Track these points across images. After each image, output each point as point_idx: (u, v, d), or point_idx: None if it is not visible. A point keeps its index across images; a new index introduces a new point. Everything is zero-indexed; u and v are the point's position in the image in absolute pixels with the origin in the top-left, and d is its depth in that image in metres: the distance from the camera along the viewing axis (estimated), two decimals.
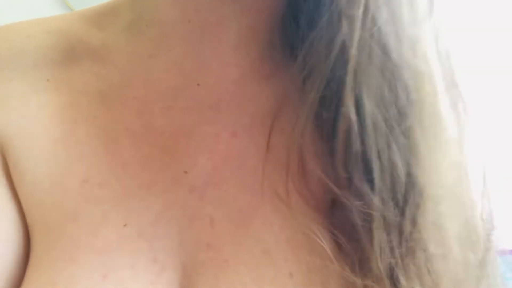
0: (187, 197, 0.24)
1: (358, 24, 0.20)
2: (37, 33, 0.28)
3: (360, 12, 0.20)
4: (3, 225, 0.23)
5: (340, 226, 0.22)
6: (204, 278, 0.22)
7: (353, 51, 0.20)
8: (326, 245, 0.22)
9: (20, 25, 0.28)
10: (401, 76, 0.20)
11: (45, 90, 0.26)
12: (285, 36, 0.26)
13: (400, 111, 0.21)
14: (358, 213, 0.21)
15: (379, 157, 0.21)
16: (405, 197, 0.21)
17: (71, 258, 0.22)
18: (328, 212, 0.23)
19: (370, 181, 0.21)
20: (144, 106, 0.26)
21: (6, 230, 0.23)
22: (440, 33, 0.22)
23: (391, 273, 0.21)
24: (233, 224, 0.23)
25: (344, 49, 0.21)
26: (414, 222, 0.21)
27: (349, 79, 0.20)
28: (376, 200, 0.21)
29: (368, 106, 0.21)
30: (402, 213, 0.21)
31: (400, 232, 0.21)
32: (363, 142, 0.21)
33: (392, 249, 0.21)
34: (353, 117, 0.21)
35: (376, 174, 0.21)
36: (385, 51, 0.20)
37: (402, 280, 0.21)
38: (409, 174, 0.21)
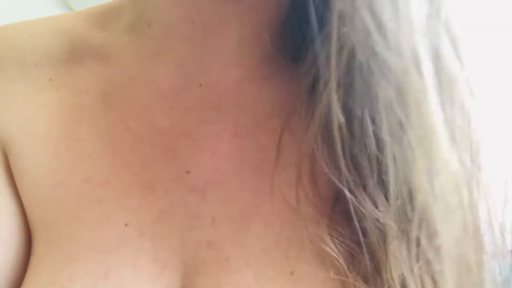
0: (189, 197, 0.24)
1: (334, 26, 0.20)
2: (40, 32, 0.28)
3: (335, 16, 0.20)
4: (3, 223, 0.23)
5: (345, 234, 0.22)
6: (206, 277, 0.22)
7: (334, 47, 0.20)
8: (339, 257, 0.22)
9: (22, 25, 0.29)
10: (387, 72, 0.19)
11: (47, 90, 0.26)
12: (288, 37, 0.26)
13: (390, 111, 0.20)
14: (372, 223, 0.21)
15: (394, 160, 0.20)
16: (412, 206, 0.20)
17: (72, 257, 0.22)
18: (332, 217, 0.23)
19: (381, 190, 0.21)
20: (146, 106, 0.26)
21: (6, 229, 0.23)
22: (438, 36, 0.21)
23: (403, 282, 0.21)
24: (234, 223, 0.23)
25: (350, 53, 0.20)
26: (422, 231, 0.21)
27: (332, 77, 0.20)
28: (392, 211, 0.21)
29: (357, 111, 0.21)
30: (411, 223, 0.21)
31: (413, 243, 0.21)
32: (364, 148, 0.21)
33: (404, 260, 0.21)
34: (341, 119, 0.20)
35: (392, 184, 0.20)
36: (366, 52, 0.20)
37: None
38: (407, 182, 0.20)
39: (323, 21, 0.22)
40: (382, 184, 0.21)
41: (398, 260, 0.21)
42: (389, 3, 0.19)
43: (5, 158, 0.25)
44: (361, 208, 0.21)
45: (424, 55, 0.19)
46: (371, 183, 0.21)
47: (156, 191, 0.24)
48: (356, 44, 0.20)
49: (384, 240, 0.21)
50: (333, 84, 0.20)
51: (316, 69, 0.22)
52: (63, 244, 0.22)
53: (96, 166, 0.24)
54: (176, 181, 0.24)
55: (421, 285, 0.21)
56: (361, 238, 0.21)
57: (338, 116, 0.20)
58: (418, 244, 0.21)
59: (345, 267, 0.22)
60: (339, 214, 0.23)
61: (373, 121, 0.20)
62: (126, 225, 0.23)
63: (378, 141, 0.21)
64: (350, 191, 0.21)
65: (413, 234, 0.20)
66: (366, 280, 0.21)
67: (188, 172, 0.24)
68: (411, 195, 0.20)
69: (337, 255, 0.22)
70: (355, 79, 0.20)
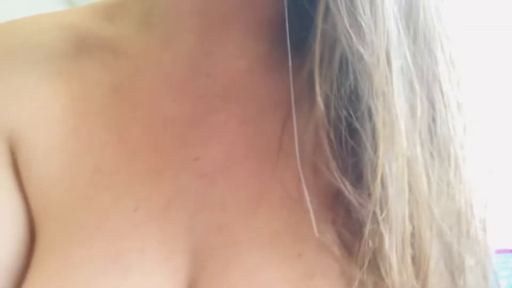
0: (198, 183, 0.24)
1: (318, 27, 0.22)
2: (48, 26, 0.28)
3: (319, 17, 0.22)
4: (5, 216, 0.24)
5: (345, 223, 0.23)
6: (216, 261, 0.23)
7: (318, 43, 0.22)
8: (336, 245, 0.22)
9: (31, 19, 0.29)
10: (360, 65, 0.21)
11: (56, 83, 0.26)
12: (291, 29, 0.27)
13: (363, 102, 0.22)
14: (366, 213, 0.22)
15: (366, 151, 0.22)
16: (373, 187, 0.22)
17: (81, 242, 0.22)
18: (333, 208, 0.24)
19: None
20: (155, 96, 0.26)
21: (8, 221, 0.24)
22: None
23: (399, 268, 0.21)
24: (243, 208, 0.24)
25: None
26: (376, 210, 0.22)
27: (316, 71, 0.22)
28: (372, 195, 0.21)
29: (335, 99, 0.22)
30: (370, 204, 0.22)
31: (401, 230, 0.22)
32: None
33: (398, 246, 0.21)
34: (322, 107, 0.22)
35: (367, 170, 0.21)
36: (343, 49, 0.21)
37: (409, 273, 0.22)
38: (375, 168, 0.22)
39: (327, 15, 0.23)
40: (361, 174, 0.22)
41: (394, 249, 0.21)
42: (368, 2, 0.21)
43: (11, 153, 0.25)
44: (362, 203, 0.22)
45: (394, 52, 0.21)
46: (354, 174, 0.22)
47: (165, 177, 0.24)
48: (337, 38, 0.21)
49: (376, 228, 0.22)
50: (316, 74, 0.22)
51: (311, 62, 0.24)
52: (72, 230, 0.23)
53: (106, 156, 0.25)
54: (185, 168, 0.25)
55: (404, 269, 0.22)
56: (369, 236, 0.22)
57: (320, 107, 0.22)
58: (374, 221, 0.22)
59: (347, 253, 0.22)
60: (341, 205, 0.23)
61: (347, 110, 0.22)
62: (135, 210, 0.23)
63: (352, 132, 0.22)
64: (336, 181, 0.22)
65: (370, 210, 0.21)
66: (369, 265, 0.22)
67: (196, 159, 0.25)
68: (379, 181, 0.21)
69: (339, 241, 0.23)
70: (335, 70, 0.22)
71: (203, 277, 0.23)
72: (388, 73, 0.21)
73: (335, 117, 0.22)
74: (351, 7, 0.20)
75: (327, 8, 0.21)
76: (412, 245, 0.22)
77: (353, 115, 0.22)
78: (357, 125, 0.21)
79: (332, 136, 0.22)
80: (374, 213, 0.21)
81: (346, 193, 0.22)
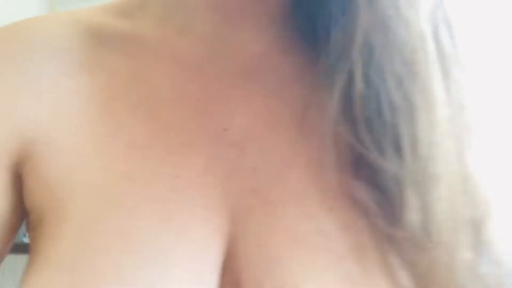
0: (229, 151, 0.26)
1: (360, 9, 0.24)
2: (67, 21, 0.29)
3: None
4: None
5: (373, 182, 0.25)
6: (253, 219, 0.24)
7: (359, 31, 0.24)
8: (368, 201, 0.24)
9: (47, 16, 0.31)
10: (400, 49, 0.24)
11: (79, 74, 0.27)
12: (303, 18, 0.30)
13: (401, 81, 0.24)
14: (392, 174, 0.24)
15: (405, 123, 0.24)
16: (418, 155, 0.24)
17: (131, 209, 0.23)
18: (355, 173, 0.26)
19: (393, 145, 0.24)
20: (175, 77, 0.28)
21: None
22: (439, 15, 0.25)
23: (423, 226, 0.23)
24: (274, 171, 0.25)
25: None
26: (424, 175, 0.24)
27: (356, 54, 0.24)
28: (407, 161, 0.24)
29: (375, 77, 0.24)
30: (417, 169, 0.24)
31: (426, 189, 0.24)
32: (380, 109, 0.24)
33: (422, 206, 0.23)
34: (362, 87, 0.24)
35: (406, 138, 0.24)
36: (385, 32, 0.24)
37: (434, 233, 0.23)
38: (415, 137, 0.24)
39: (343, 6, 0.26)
40: (395, 142, 0.24)
41: (415, 206, 0.23)
42: None
43: (13, 155, 0.25)
44: (376, 162, 0.24)
45: (429, 37, 0.24)
46: (384, 141, 0.24)
47: (198, 148, 0.26)
48: (376, 25, 0.24)
49: (401, 189, 0.24)
50: (357, 60, 0.24)
51: (340, 46, 0.26)
52: (118, 201, 0.23)
53: (137, 133, 0.26)
54: (214, 139, 0.26)
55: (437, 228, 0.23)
56: (395, 196, 0.24)
57: (359, 87, 0.24)
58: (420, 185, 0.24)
59: (372, 208, 0.24)
60: (361, 171, 0.25)
61: (387, 91, 0.24)
62: (175, 177, 0.24)
63: (392, 107, 0.24)
64: (366, 149, 0.24)
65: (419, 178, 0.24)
66: (391, 223, 0.24)
67: (225, 129, 0.26)
68: (417, 147, 0.24)
69: (368, 197, 0.24)
70: (374, 56, 0.24)
71: (242, 235, 0.24)
72: (426, 56, 0.24)
73: (370, 97, 0.24)
74: None
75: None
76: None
77: (392, 95, 0.24)
78: (397, 102, 0.24)
79: (364, 114, 0.25)
80: (404, 176, 0.23)
81: (370, 156, 0.24)
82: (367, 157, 0.24)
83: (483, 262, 0.24)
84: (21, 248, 0.43)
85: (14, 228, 0.26)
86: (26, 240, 0.44)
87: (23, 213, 0.26)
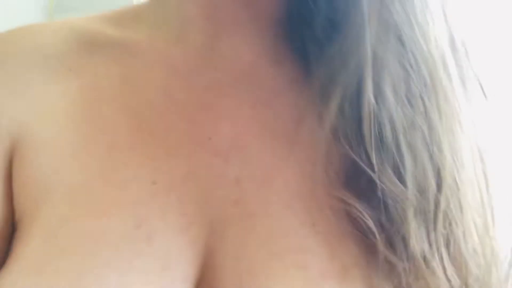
0: (213, 160, 0.25)
1: (374, 15, 0.23)
2: (60, 28, 0.29)
3: (377, 4, 0.23)
4: None
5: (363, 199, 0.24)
6: (233, 232, 0.23)
7: (370, 41, 0.23)
8: (370, 222, 0.23)
9: (41, 24, 0.31)
10: (416, 62, 0.23)
11: (67, 79, 0.27)
12: (295, 32, 0.30)
13: (417, 97, 0.23)
14: (393, 200, 0.22)
15: (410, 144, 0.22)
16: (434, 183, 0.22)
17: (103, 212, 0.22)
18: (349, 184, 0.25)
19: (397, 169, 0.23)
20: (166, 84, 0.27)
21: None
22: (453, 19, 0.24)
23: (424, 256, 0.22)
24: (257, 182, 0.25)
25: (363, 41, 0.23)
26: (441, 207, 0.22)
27: (367, 68, 0.23)
28: (411, 188, 0.22)
29: (388, 93, 0.23)
30: (430, 199, 0.22)
31: (432, 218, 0.22)
32: (391, 128, 0.23)
33: (424, 234, 0.22)
34: (373, 101, 0.23)
35: (408, 162, 0.22)
36: (399, 40, 0.23)
37: (434, 262, 0.22)
38: (433, 160, 0.23)
39: (334, 18, 0.26)
40: (405, 166, 0.23)
41: (419, 235, 0.22)
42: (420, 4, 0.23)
43: (9, 153, 0.25)
44: (382, 185, 0.23)
45: (447, 48, 0.23)
46: (393, 165, 0.23)
47: (181, 155, 0.25)
48: (388, 36, 0.23)
49: (405, 217, 0.22)
50: (368, 74, 0.23)
51: (337, 59, 0.25)
52: (92, 202, 0.23)
53: (120, 135, 0.25)
54: (199, 147, 0.25)
55: (440, 260, 0.22)
56: (396, 221, 0.22)
57: (370, 103, 0.23)
58: (443, 218, 0.22)
59: (372, 230, 0.23)
60: (355, 189, 0.24)
61: (400, 108, 0.23)
62: (153, 183, 0.24)
63: (404, 126, 0.23)
64: (372, 170, 0.23)
65: (441, 207, 0.22)
66: (390, 249, 0.23)
67: (209, 138, 0.26)
68: (435, 173, 0.22)
69: (364, 217, 0.23)
70: (385, 69, 0.23)
71: (220, 247, 0.23)
72: (448, 75, 0.23)
73: (381, 112, 0.23)
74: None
75: (383, 4, 0.23)
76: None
77: (406, 112, 0.23)
78: (415, 120, 0.22)
79: (372, 128, 0.23)
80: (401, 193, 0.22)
81: (375, 174, 0.23)
82: (365, 178, 0.23)
83: None
84: None
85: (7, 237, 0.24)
86: None
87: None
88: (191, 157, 0.25)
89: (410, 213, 0.22)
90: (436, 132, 0.22)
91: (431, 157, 0.22)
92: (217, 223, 0.24)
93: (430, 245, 0.22)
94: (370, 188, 0.23)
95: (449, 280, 0.22)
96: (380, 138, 0.23)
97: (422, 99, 0.22)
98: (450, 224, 0.22)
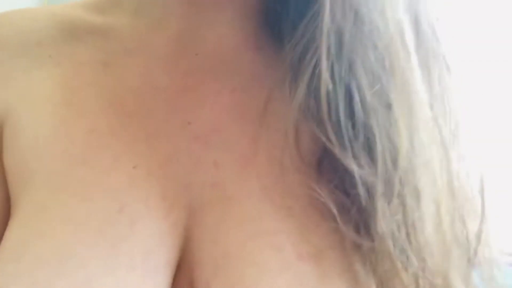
0: (192, 144, 0.25)
1: None
2: (42, 15, 0.29)
3: None
4: None
5: (333, 187, 0.24)
6: (210, 215, 0.23)
7: (326, 19, 0.23)
8: (332, 206, 0.23)
9: (23, 10, 0.30)
10: (374, 42, 0.22)
11: (48, 65, 0.27)
12: (274, 14, 0.29)
13: (375, 77, 0.22)
14: (363, 181, 0.22)
15: (379, 125, 0.22)
16: (395, 164, 0.22)
17: (85, 197, 0.22)
18: (318, 172, 0.24)
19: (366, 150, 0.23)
20: (145, 70, 0.27)
21: None
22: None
23: (393, 237, 0.22)
24: (235, 166, 0.25)
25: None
26: (404, 188, 0.22)
27: (323, 45, 0.23)
28: (380, 169, 0.22)
29: (359, 72, 0.23)
30: (393, 180, 0.22)
31: (396, 197, 0.22)
32: (362, 108, 0.22)
33: (391, 215, 0.22)
34: (330, 85, 0.23)
35: (379, 143, 0.22)
36: (356, 19, 0.23)
37: (402, 241, 0.22)
38: (392, 142, 0.22)
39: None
40: (368, 146, 0.23)
41: (386, 216, 0.22)
42: None
43: None
44: (346, 166, 0.22)
45: (407, 28, 0.22)
46: (356, 144, 0.23)
47: (160, 139, 0.25)
48: (346, 13, 0.22)
49: (372, 198, 0.22)
50: (323, 51, 0.23)
51: (306, 38, 0.25)
52: (73, 187, 0.23)
53: (100, 119, 0.25)
54: (179, 131, 0.25)
55: (407, 241, 0.22)
56: (362, 202, 0.22)
57: (326, 82, 0.23)
58: (401, 201, 0.22)
59: (336, 213, 0.23)
60: (325, 172, 0.24)
61: (359, 87, 0.22)
62: (134, 167, 0.24)
63: (364, 105, 0.22)
64: (336, 151, 0.23)
65: (396, 189, 0.22)
66: (357, 231, 0.22)
67: (189, 123, 0.26)
68: (394, 154, 0.22)
69: (331, 200, 0.23)
70: (344, 47, 0.23)
71: (198, 230, 0.23)
72: (405, 48, 0.22)
73: (339, 95, 0.23)
74: None
75: None
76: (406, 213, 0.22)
77: (365, 93, 0.22)
78: (371, 102, 0.22)
79: (332, 113, 0.23)
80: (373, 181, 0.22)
81: (338, 156, 0.22)
82: (335, 159, 0.23)
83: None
84: None
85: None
86: None
87: None
88: (171, 141, 0.25)
89: (378, 193, 0.22)
90: (394, 115, 0.22)
91: (390, 138, 0.22)
92: (196, 207, 0.24)
93: (397, 226, 0.22)
94: (340, 167, 0.23)
95: (408, 263, 0.22)
96: (351, 117, 0.23)
97: (381, 80, 0.22)
98: (404, 207, 0.22)
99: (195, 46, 0.28)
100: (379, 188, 0.22)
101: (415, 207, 0.22)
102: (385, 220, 0.21)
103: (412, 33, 0.22)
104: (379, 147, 0.22)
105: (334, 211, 0.22)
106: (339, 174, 0.23)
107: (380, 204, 0.22)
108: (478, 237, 0.22)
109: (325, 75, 0.22)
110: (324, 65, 0.22)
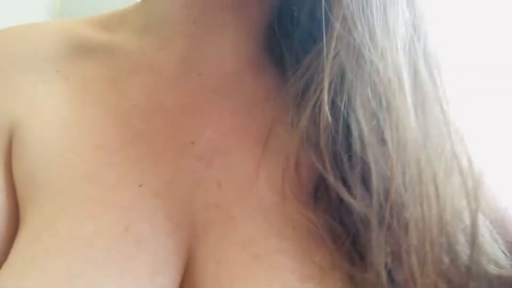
0: (196, 164, 0.26)
1: (335, 34, 0.24)
2: (49, 30, 0.30)
3: (338, 24, 0.24)
4: None
5: (328, 217, 0.24)
6: (213, 235, 0.24)
7: (330, 57, 0.24)
8: (327, 236, 0.23)
9: (32, 25, 0.31)
10: (373, 80, 0.23)
11: (55, 80, 0.28)
12: (277, 41, 0.31)
13: (372, 113, 0.23)
14: (357, 212, 0.23)
15: (375, 159, 0.23)
16: (386, 197, 0.22)
17: (91, 214, 0.23)
18: (314, 202, 0.25)
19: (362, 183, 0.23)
20: (152, 88, 0.28)
21: None
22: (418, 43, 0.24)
23: (386, 267, 0.22)
24: (238, 186, 0.25)
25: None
26: (393, 221, 0.22)
27: (325, 80, 0.24)
28: (374, 201, 0.22)
29: (357, 107, 0.23)
30: (384, 212, 0.22)
31: (386, 229, 0.22)
32: (360, 142, 0.23)
33: (386, 246, 0.22)
34: (329, 119, 0.24)
35: (374, 176, 0.22)
36: (358, 60, 0.24)
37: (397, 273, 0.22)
38: (385, 176, 0.23)
39: (312, 33, 0.27)
40: (363, 178, 0.23)
41: (381, 249, 0.22)
42: (381, 20, 0.24)
43: (7, 143, 0.26)
44: (341, 196, 0.23)
45: (405, 72, 0.23)
46: (351, 177, 0.23)
47: (165, 158, 0.25)
48: (349, 53, 0.24)
49: (366, 229, 0.22)
50: (325, 86, 0.24)
51: (310, 72, 0.26)
52: (79, 203, 0.23)
53: (106, 136, 0.26)
54: (183, 151, 0.26)
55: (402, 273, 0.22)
56: (359, 234, 0.23)
57: (326, 115, 0.24)
58: (391, 233, 0.22)
59: (330, 244, 0.23)
60: (322, 200, 0.25)
61: (357, 122, 0.23)
62: (140, 185, 0.24)
63: (361, 141, 0.23)
64: (331, 180, 0.24)
65: (386, 222, 0.22)
66: (351, 261, 0.23)
67: (193, 142, 0.26)
68: (386, 188, 0.22)
69: (326, 227, 0.23)
70: (345, 84, 0.24)
71: (201, 250, 0.23)
72: (402, 92, 0.23)
73: (339, 129, 0.24)
74: (369, 27, 0.23)
75: (345, 24, 0.24)
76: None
77: (363, 130, 0.23)
78: (367, 138, 0.23)
79: (329, 145, 0.24)
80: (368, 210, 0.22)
81: (333, 186, 0.23)
82: (331, 188, 0.23)
83: None
84: None
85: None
86: None
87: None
88: (175, 161, 0.25)
89: (372, 224, 0.22)
90: (388, 150, 0.22)
91: (383, 173, 0.22)
92: (199, 227, 0.24)
93: (390, 258, 0.22)
94: (335, 197, 0.24)
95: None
96: (348, 149, 0.24)
97: (377, 116, 0.23)
98: (395, 240, 0.22)
99: (199, 66, 0.29)
100: (373, 220, 0.22)
101: (404, 239, 0.22)
102: (378, 252, 0.22)
103: (409, 76, 0.23)
104: (374, 180, 0.22)
105: (329, 242, 0.23)
106: (335, 204, 0.24)
107: (374, 235, 0.22)
108: (469, 269, 0.22)
109: (326, 108, 0.24)
110: (325, 99, 0.24)
